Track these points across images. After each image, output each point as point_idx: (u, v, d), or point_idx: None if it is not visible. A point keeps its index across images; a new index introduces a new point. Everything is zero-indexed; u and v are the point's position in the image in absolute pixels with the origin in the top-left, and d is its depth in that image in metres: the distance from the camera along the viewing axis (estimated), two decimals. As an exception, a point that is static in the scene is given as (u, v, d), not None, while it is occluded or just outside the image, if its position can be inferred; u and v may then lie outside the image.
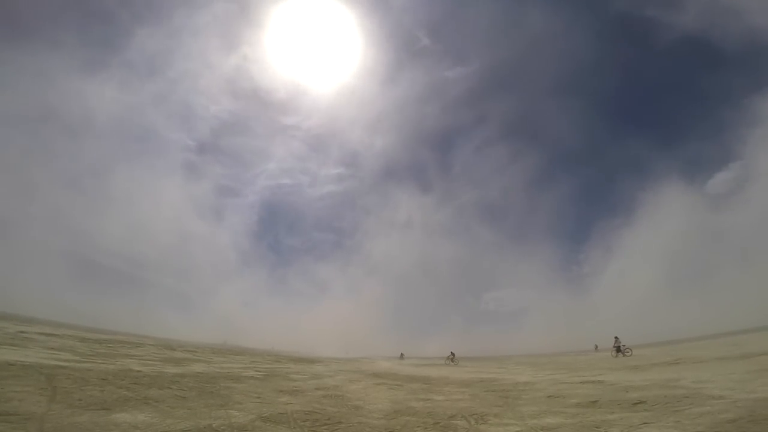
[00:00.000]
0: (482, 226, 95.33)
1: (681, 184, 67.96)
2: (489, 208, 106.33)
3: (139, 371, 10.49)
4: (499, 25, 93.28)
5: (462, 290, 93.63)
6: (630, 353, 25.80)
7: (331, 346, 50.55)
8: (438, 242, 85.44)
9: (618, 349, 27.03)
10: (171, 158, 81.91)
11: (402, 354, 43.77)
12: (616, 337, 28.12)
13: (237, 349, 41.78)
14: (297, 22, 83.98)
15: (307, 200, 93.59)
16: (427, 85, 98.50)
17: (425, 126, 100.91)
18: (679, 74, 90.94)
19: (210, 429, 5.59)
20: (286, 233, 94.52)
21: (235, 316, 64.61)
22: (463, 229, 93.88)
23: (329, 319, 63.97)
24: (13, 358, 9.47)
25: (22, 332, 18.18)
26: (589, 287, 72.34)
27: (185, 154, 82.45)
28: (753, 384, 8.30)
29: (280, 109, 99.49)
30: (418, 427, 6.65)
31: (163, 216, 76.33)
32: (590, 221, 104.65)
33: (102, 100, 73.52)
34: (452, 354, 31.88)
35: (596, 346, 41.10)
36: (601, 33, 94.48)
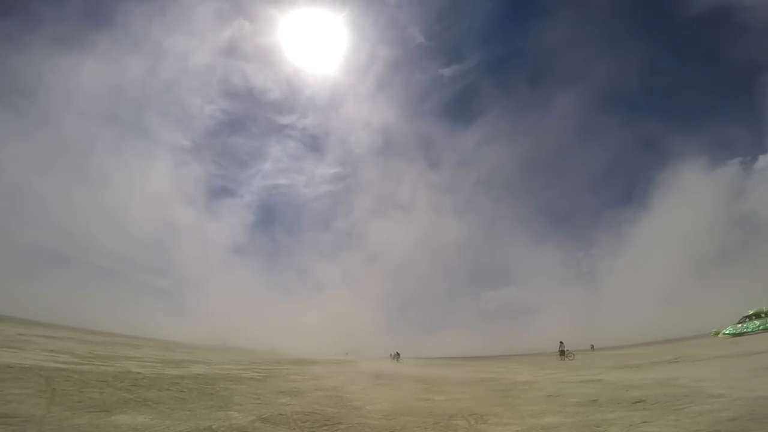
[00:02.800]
0: (491, 210, 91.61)
1: (703, 165, 61.58)
2: (499, 191, 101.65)
3: (138, 373, 10.47)
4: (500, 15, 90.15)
5: (469, 284, 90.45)
6: (572, 357, 27.56)
7: (329, 346, 50.05)
8: (445, 228, 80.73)
9: (562, 353, 29.12)
10: (160, 148, 77.87)
11: (393, 354, 41.29)
12: (561, 342, 30.29)
13: (236, 350, 41.68)
14: (291, 20, 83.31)
15: (304, 200, 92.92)
16: (424, 82, 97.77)
17: (428, 107, 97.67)
18: (702, 46, 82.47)
19: (210, 430, 5.58)
20: (282, 233, 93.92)
21: (232, 317, 62.95)
22: (472, 213, 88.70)
23: (327, 319, 62.44)
24: (12, 361, 9.45)
25: (20, 335, 18.16)
26: (602, 279, 67.47)
27: (176, 147, 79.51)
28: (753, 382, 8.31)
29: (275, 109, 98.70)
30: (417, 427, 6.64)
31: (152, 210, 72.69)
32: (602, 207, 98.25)
33: (82, 79, 68.96)
34: (397, 354, 36.98)
35: (592, 346, 41.14)
36: (617, 4, 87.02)
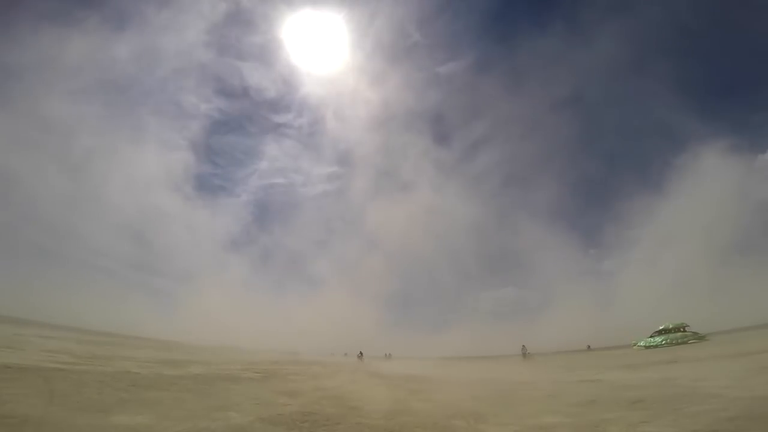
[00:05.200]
0: (502, 196, 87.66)
1: (723, 149, 54.41)
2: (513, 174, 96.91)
3: (137, 373, 10.44)
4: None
5: (476, 279, 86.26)
6: (532, 358, 30.23)
7: (329, 346, 49.53)
8: (452, 211, 75.76)
9: (524, 355, 31.57)
10: (154, 144, 73.35)
11: (359, 353, 40.89)
12: (523, 345, 33.09)
13: (235, 349, 41.57)
14: (285, 18, 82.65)
15: (301, 199, 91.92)
16: (419, 79, 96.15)
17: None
18: (726, 20, 68.74)
19: (208, 431, 5.58)
20: (280, 232, 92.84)
21: (229, 316, 61.45)
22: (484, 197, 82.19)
23: (326, 318, 60.93)
24: (11, 361, 9.41)
25: (18, 334, 18.11)
26: (616, 272, 62.78)
27: (170, 145, 76.46)
28: (751, 382, 8.33)
29: (271, 107, 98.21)
30: (417, 427, 6.64)
31: (145, 208, 69.13)
32: (615, 194, 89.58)
33: (67, 57, 64.68)
34: (361, 353, 39.11)
35: (588, 347, 41.23)
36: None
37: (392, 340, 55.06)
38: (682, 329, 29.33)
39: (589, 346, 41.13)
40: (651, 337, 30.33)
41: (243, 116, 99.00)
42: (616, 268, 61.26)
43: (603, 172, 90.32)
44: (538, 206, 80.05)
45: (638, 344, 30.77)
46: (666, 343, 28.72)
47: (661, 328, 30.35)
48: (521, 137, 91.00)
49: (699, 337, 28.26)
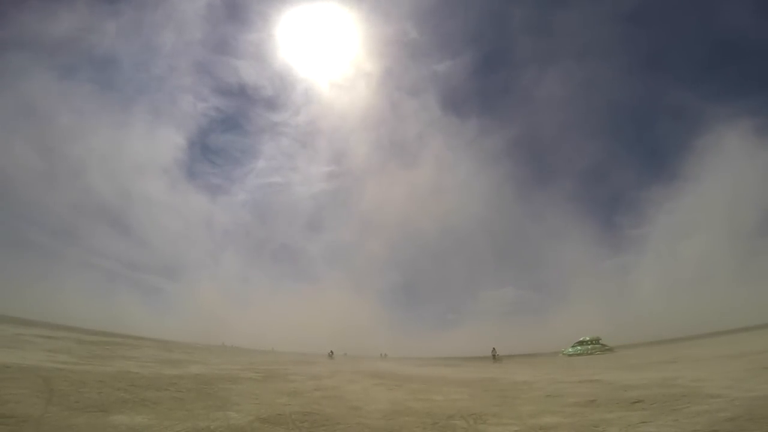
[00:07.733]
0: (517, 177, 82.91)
1: (748, 130, 52.09)
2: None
3: (136, 373, 10.46)
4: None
5: (481, 274, 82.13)
6: (501, 361, 31.15)
7: (329, 345, 49.36)
8: (461, 192, 71.06)
9: (494, 357, 32.55)
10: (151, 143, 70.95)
11: (329, 352, 40.98)
12: (493, 348, 34.30)
13: (235, 349, 41.57)
14: (281, 16, 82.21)
15: (299, 198, 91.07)
16: (417, 77, 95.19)
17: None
18: None
19: (208, 431, 5.58)
20: (278, 231, 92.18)
21: (227, 315, 60.65)
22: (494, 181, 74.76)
23: (326, 316, 59.85)
24: (11, 361, 9.43)
25: (19, 334, 18.13)
26: (631, 265, 58.87)
27: (168, 144, 74.47)
28: (751, 382, 8.33)
29: (268, 106, 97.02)
30: (416, 427, 6.64)
31: (140, 204, 67.59)
32: (631, 182, 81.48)
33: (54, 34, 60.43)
34: (331, 351, 39.95)
35: None
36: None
37: (393, 339, 54.71)
38: (596, 342, 33.54)
39: None
40: (573, 347, 34.48)
41: (239, 114, 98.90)
42: (632, 261, 58.44)
43: (616, 161, 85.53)
44: (549, 200, 78.02)
45: (564, 352, 34.75)
46: (581, 352, 32.73)
47: (581, 339, 34.59)
48: (534, 120, 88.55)
49: (606, 349, 32.30)
